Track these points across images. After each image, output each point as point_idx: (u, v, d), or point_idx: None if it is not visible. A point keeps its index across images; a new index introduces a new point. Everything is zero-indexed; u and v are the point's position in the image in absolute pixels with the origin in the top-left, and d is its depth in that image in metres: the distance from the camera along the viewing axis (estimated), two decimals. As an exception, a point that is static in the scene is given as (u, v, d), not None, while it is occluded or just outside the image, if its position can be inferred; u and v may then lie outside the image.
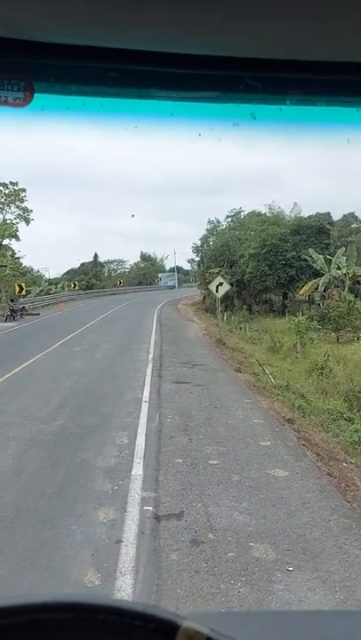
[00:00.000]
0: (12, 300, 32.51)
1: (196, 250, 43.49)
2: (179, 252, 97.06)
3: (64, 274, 67.48)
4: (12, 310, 30.65)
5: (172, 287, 67.30)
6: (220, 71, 0.88)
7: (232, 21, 0.77)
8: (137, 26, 0.78)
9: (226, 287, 20.12)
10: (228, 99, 0.94)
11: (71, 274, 66.54)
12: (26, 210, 42.76)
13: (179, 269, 74.23)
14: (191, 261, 53.62)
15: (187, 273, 72.84)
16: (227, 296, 26.14)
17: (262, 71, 0.87)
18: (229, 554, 4.33)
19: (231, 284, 25.68)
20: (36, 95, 0.83)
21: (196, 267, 48.68)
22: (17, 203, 42.50)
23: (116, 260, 74.92)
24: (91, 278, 64.06)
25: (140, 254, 79.30)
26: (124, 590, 3.88)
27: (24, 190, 42.58)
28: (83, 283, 59.86)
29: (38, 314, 33.58)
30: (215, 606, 3.66)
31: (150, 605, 0.58)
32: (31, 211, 43.08)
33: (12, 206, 42.52)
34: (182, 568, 4.15)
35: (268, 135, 1.04)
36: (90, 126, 0.92)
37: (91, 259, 70.18)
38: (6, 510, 5.18)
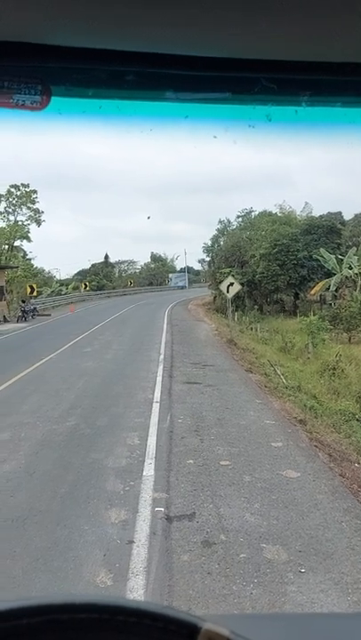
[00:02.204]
0: (23, 301, 32.73)
1: (207, 250, 43.44)
2: (189, 252, 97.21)
3: (75, 274, 67.78)
4: (24, 311, 30.86)
5: (182, 287, 67.34)
6: (236, 73, 0.88)
7: (248, 23, 0.77)
8: (153, 28, 0.78)
9: (237, 287, 20.08)
10: (243, 100, 0.94)
11: (82, 274, 66.75)
12: (37, 211, 43.06)
13: (189, 270, 74.24)
14: (202, 261, 53.66)
15: (197, 273, 72.79)
16: (238, 296, 26.12)
17: (279, 73, 0.87)
18: (241, 555, 4.32)
19: (242, 284, 25.61)
20: (52, 98, 0.83)
21: (206, 267, 48.64)
22: (28, 204, 42.78)
23: (126, 261, 75.10)
24: (101, 279, 64.26)
25: (150, 255, 79.44)
26: (136, 591, 3.89)
27: (35, 192, 42.89)
28: (93, 283, 60.07)
29: (49, 315, 33.75)
30: (227, 608, 3.66)
31: (170, 607, 0.58)
32: (42, 212, 43.36)
33: (24, 208, 42.80)
34: (194, 569, 4.14)
35: (281, 135, 1.04)
36: (106, 129, 0.92)
37: (101, 259, 70.39)
38: (19, 510, 5.21)
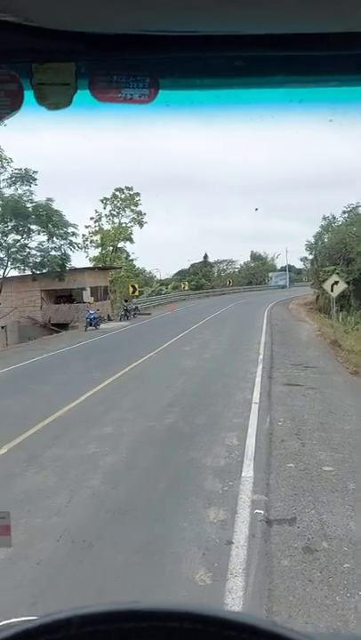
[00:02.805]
0: (125, 301, 33.88)
1: (310, 247, 42.14)
2: (291, 250, 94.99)
3: (174, 274, 68.91)
4: (126, 310, 31.93)
5: (283, 286, 66.03)
6: (350, 51, 0.80)
7: None
8: (264, 9, 0.74)
9: (342, 286, 19.33)
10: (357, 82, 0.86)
11: (181, 274, 67.72)
12: (140, 213, 44.30)
13: (290, 268, 72.62)
14: (304, 260, 52.24)
15: (299, 272, 71.06)
16: (342, 295, 25.05)
17: None
18: (345, 565, 4.13)
19: (348, 283, 24.56)
20: (160, 91, 0.82)
21: (308, 265, 47.32)
22: (132, 207, 44.15)
23: (225, 260, 75.02)
24: (200, 278, 64.78)
25: (250, 253, 78.78)
26: (235, 592, 3.85)
27: (138, 194, 44.16)
28: (192, 283, 60.73)
29: (150, 314, 34.61)
30: (330, 619, 3.51)
31: (274, 622, 0.54)
32: (145, 214, 44.56)
33: (127, 210, 44.24)
34: (295, 575, 4.02)
35: None
36: (213, 119, 0.90)
37: (200, 259, 70.96)
38: (120, 504, 5.37)
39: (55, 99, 0.85)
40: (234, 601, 3.73)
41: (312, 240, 41.67)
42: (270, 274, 74.03)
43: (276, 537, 4.63)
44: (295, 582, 3.93)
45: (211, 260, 72.36)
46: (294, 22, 0.77)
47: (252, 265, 76.17)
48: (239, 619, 0.52)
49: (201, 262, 70.33)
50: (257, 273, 74.34)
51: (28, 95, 0.88)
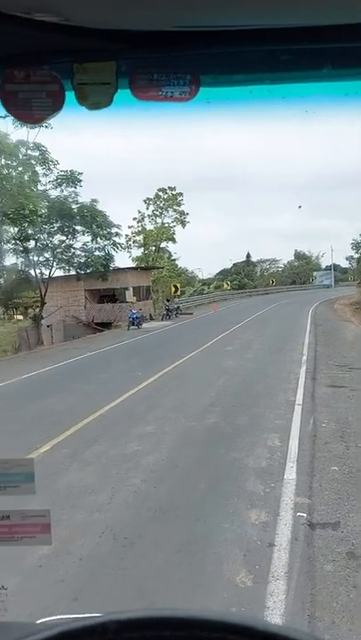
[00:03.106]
0: (167, 300, 34.05)
1: (356, 246, 41.32)
2: (336, 249, 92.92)
3: (216, 274, 68.80)
4: (168, 310, 32.10)
5: (328, 286, 64.82)
6: None
7: None
8: (310, 0, 0.71)
9: (387, 286, 18.81)
10: None
11: (223, 274, 67.53)
12: (182, 213, 44.36)
13: (336, 267, 71.27)
14: (350, 259, 51.21)
15: (345, 271, 69.65)
16: (389, 295, 24.41)
17: None
18: (391, 573, 4.01)
19: (393, 283, 23.90)
20: (200, 88, 0.81)
21: (354, 264, 46.32)
22: (174, 207, 44.27)
23: (268, 259, 74.29)
24: (243, 278, 64.43)
25: (293, 252, 77.73)
26: (277, 595, 3.79)
27: (181, 194, 44.23)
28: (235, 282, 60.47)
29: (191, 313, 34.66)
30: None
31: (314, 636, 0.52)
32: (187, 214, 44.60)
33: (170, 210, 44.39)
34: (338, 581, 3.94)
35: None
36: (255, 116, 0.88)
37: (243, 258, 70.51)
38: (162, 502, 5.39)
39: (96, 98, 0.85)
40: (275, 604, 3.69)
41: (358, 238, 40.77)
42: (315, 273, 72.83)
43: (319, 541, 4.55)
44: (339, 588, 3.85)
45: (253, 259, 71.82)
46: (341, 13, 0.75)
47: (296, 264, 75.13)
48: (279, 632, 0.50)
49: (243, 262, 69.91)
50: (301, 272, 73.30)
51: (69, 96, 0.89)
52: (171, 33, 0.76)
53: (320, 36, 0.76)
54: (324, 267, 74.41)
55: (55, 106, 0.89)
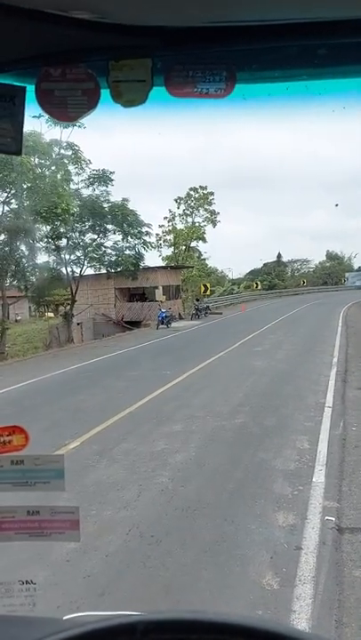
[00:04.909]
0: (197, 300, 34.03)
1: (389, 247, 40.50)
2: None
3: (246, 274, 68.37)
4: (197, 309, 32.08)
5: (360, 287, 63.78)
6: None
7: None
8: None
9: None
10: None
11: (254, 274, 67.09)
12: (213, 212, 44.27)
13: (368, 268, 70.04)
14: (383, 260, 50.26)
15: (378, 272, 68.41)
16: None
17: None
18: None
19: None
20: (236, 85, 0.80)
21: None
22: (205, 206, 44.20)
23: (299, 260, 73.47)
24: (273, 278, 63.90)
25: (325, 253, 76.68)
26: (304, 600, 3.75)
27: (212, 193, 44.16)
28: (265, 283, 60.01)
29: (221, 313, 34.55)
30: None
31: None
32: (218, 213, 44.48)
33: (201, 209, 44.35)
34: (367, 588, 3.87)
35: None
36: (292, 112, 0.86)
37: (274, 258, 69.93)
38: (189, 501, 5.39)
39: (131, 96, 0.85)
40: (302, 608, 3.64)
41: (393, 238, 39.95)
42: (347, 274, 71.70)
43: (348, 546, 4.48)
44: (367, 595, 3.78)
45: (284, 259, 71.17)
46: None
47: (328, 265, 74.16)
48: (307, 639, 0.49)
49: (274, 262, 69.34)
50: (333, 273, 72.29)
51: (104, 93, 0.89)
52: (206, 29, 0.75)
53: (359, 30, 0.74)
54: (356, 268, 73.21)
55: (90, 104, 0.90)
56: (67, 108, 0.93)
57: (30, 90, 0.95)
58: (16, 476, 1.31)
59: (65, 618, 1.03)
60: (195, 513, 5.14)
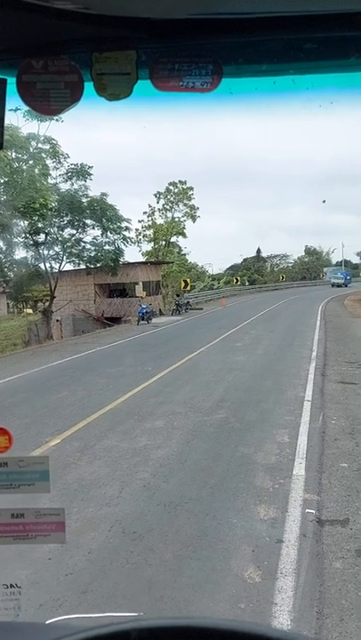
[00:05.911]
0: (177, 295, 34.01)
1: (367, 242, 41.00)
2: (347, 244, 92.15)
3: (227, 269, 68.71)
4: (178, 305, 32.06)
5: (341, 285, 64.46)
6: None
7: None
8: None
9: None
10: None
11: (233, 269, 67.44)
12: (193, 207, 44.25)
13: (347, 263, 70.94)
14: (360, 254, 50.89)
15: (355, 267, 69.31)
16: None
17: None
18: None
19: None
20: (223, 78, 0.79)
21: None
22: (185, 201, 44.15)
23: (279, 255, 74.03)
24: (253, 273, 64.27)
25: (304, 248, 77.36)
26: (285, 592, 3.79)
27: (192, 189, 44.12)
28: (245, 278, 60.33)
29: (201, 308, 34.60)
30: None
31: None
32: (198, 208, 44.45)
33: (181, 204, 44.28)
34: (347, 578, 3.93)
35: None
36: (279, 107, 0.85)
37: (253, 254, 70.33)
38: (171, 496, 5.40)
39: (115, 89, 0.84)
40: (283, 601, 3.68)
41: (370, 234, 40.46)
42: (325, 269, 72.50)
43: (328, 538, 4.53)
44: (348, 585, 3.84)
45: (264, 254, 71.64)
46: None
47: (307, 260, 74.86)
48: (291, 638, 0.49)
49: (254, 257, 69.81)
50: (311, 268, 73.03)
51: (88, 86, 0.87)
52: (192, 21, 0.74)
53: (346, 24, 0.73)
54: (334, 263, 74.07)
55: (74, 97, 0.88)
56: (49, 102, 0.91)
57: (11, 82, 0.92)
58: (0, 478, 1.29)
59: (48, 622, 1.01)
60: (177, 508, 5.15)
